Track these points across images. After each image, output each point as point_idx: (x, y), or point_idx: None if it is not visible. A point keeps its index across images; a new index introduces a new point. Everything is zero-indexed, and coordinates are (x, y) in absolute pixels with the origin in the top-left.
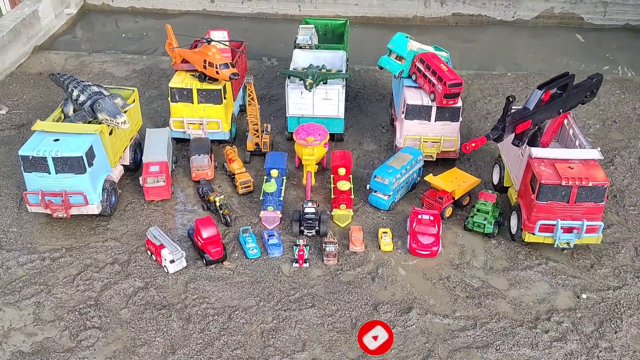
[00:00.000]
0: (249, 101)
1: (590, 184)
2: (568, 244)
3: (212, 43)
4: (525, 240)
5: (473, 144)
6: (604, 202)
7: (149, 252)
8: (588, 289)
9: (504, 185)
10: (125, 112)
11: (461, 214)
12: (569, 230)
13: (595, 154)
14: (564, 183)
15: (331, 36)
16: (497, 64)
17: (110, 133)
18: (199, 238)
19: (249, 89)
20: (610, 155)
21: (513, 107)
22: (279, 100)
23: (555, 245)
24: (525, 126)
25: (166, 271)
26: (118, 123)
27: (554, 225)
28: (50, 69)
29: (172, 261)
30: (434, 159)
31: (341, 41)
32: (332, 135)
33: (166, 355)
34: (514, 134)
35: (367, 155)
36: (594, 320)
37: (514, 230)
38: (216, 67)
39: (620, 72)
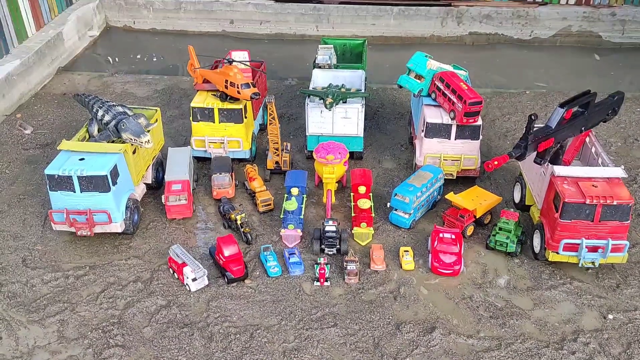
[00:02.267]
0: (270, 120)
1: (615, 203)
2: (593, 263)
3: (234, 63)
4: (549, 259)
5: (496, 162)
6: (629, 221)
7: (171, 270)
8: (615, 310)
9: (526, 203)
10: (148, 131)
11: (483, 232)
12: (593, 249)
13: (619, 172)
14: (588, 202)
15: (349, 55)
16: (515, 82)
17: (134, 152)
18: (221, 256)
19: (270, 109)
20: (633, 174)
21: (535, 125)
22: (297, 119)
23: (579, 265)
24: (547, 144)
25: (188, 289)
26: (142, 142)
27: (578, 244)
28: (74, 90)
29: (194, 279)
30: (454, 177)
31: (359, 60)
32: (351, 154)
33: None
34: (535, 153)
35: (387, 173)
36: (622, 341)
37: (537, 249)
38: (237, 87)
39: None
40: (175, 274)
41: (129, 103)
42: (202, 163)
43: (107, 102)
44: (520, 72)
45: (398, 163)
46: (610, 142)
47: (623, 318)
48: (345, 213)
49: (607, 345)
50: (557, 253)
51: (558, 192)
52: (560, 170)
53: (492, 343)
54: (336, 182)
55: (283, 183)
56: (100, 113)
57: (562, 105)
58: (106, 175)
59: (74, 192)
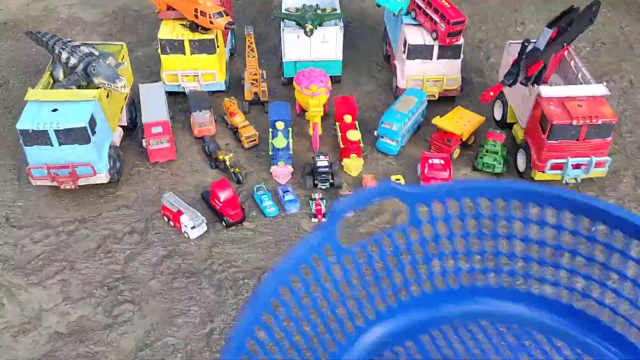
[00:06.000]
0: (248, 52)
1: (600, 122)
2: (576, 179)
3: None
4: (535, 178)
5: (491, 93)
6: (611, 137)
7: (165, 218)
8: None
9: (507, 121)
10: (119, 71)
11: (468, 153)
12: (577, 166)
13: (602, 89)
14: (574, 122)
15: None
16: None
17: (107, 96)
18: (217, 202)
19: (248, 40)
20: (602, 80)
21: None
22: (266, 39)
23: (563, 182)
24: (536, 67)
25: (187, 237)
26: (118, 87)
27: (564, 163)
28: (12, 17)
29: (192, 227)
30: (436, 98)
31: None
32: (330, 78)
33: (204, 323)
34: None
35: (367, 96)
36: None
37: (521, 168)
38: (210, 17)
39: None
40: (170, 222)
41: (78, 30)
42: (174, 97)
43: (70, 41)
44: None
45: (377, 84)
46: (579, 48)
47: (605, 230)
48: (331, 144)
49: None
50: (544, 172)
51: (545, 114)
52: (546, 91)
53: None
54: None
55: (263, 114)
56: (64, 55)
57: (549, 26)
58: (85, 127)
59: (52, 145)
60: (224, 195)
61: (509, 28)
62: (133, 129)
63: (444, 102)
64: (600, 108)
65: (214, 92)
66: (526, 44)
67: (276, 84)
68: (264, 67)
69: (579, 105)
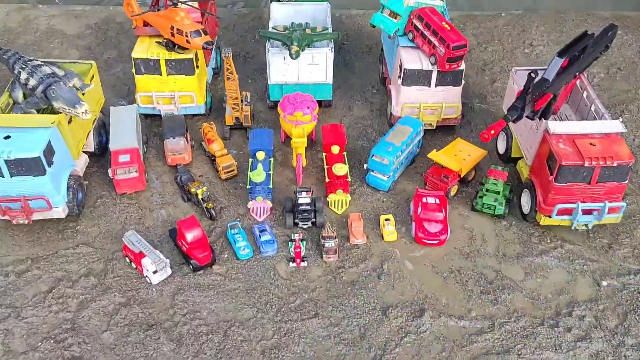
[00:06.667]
0: (227, 75)
1: (615, 164)
2: (587, 225)
3: (179, 5)
4: (541, 223)
5: (492, 132)
6: (627, 181)
7: (127, 259)
8: (608, 274)
9: (512, 156)
10: (84, 94)
11: (467, 190)
12: (588, 212)
13: (617, 126)
14: (586, 164)
15: None
16: (489, 3)
17: (70, 121)
18: (183, 242)
19: (227, 63)
20: (618, 110)
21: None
22: (255, 58)
23: (572, 228)
24: (544, 100)
25: (149, 282)
26: (78, 113)
27: (573, 208)
28: None
29: (155, 272)
30: (434, 127)
31: None
32: (319, 102)
33: None
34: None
35: (359, 122)
36: (617, 311)
37: (525, 209)
38: (186, 35)
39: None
40: (132, 263)
41: (56, 42)
42: (152, 119)
43: (31, 60)
44: None
45: (370, 109)
46: (592, 74)
47: (617, 284)
48: (317, 175)
49: (603, 318)
50: (550, 217)
51: (553, 153)
52: (555, 126)
53: (485, 324)
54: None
55: (245, 140)
56: (23, 76)
57: (560, 54)
58: (39, 157)
59: (3, 177)
60: (191, 235)
61: (516, 50)
62: (103, 154)
63: (442, 131)
64: (615, 147)
65: (194, 115)
66: (533, 75)
67: (263, 106)
68: (250, 88)
69: (591, 144)
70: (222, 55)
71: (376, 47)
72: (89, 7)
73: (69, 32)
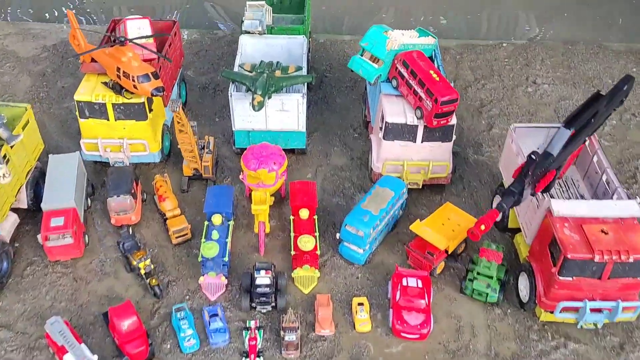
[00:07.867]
0: (179, 129)
1: (631, 259)
2: (595, 325)
3: (130, 43)
4: (541, 319)
5: (482, 227)
6: None
7: (51, 349)
8: None
9: (509, 226)
10: (12, 147)
11: (455, 266)
12: (598, 310)
13: (634, 208)
14: (597, 259)
15: (288, 4)
16: (489, 30)
17: None
18: (116, 334)
19: (176, 117)
20: (632, 167)
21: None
22: (225, 91)
23: (578, 326)
24: (547, 180)
25: None
26: None
27: (580, 307)
28: None
29: None
30: (420, 187)
31: (301, 10)
32: (291, 150)
33: None
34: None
35: (336, 174)
36: None
37: (523, 295)
38: (133, 80)
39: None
40: (56, 356)
41: (8, 67)
42: (101, 165)
43: None
44: (493, 17)
45: (350, 157)
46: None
47: None
48: (284, 239)
49: None
50: (552, 313)
51: (557, 241)
52: (559, 207)
53: None
54: (272, 195)
55: (204, 193)
56: None
57: (567, 125)
58: None
59: None
60: (125, 326)
61: (517, 88)
62: (38, 210)
63: (430, 189)
64: (631, 237)
65: (147, 164)
66: (533, 157)
67: (229, 151)
68: (217, 129)
69: (603, 232)
70: (170, 109)
71: (361, 82)
72: (49, 25)
73: (22, 54)
